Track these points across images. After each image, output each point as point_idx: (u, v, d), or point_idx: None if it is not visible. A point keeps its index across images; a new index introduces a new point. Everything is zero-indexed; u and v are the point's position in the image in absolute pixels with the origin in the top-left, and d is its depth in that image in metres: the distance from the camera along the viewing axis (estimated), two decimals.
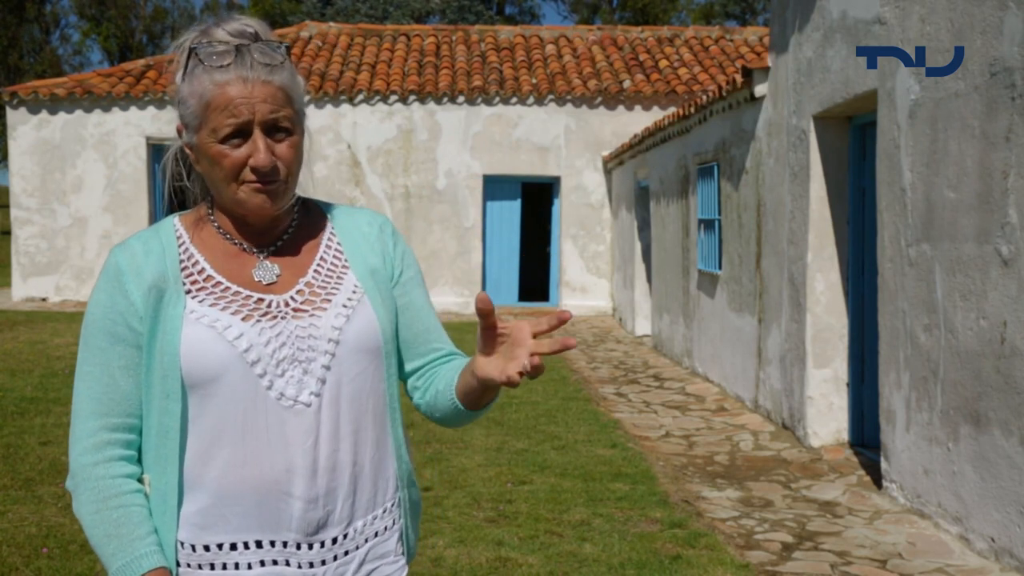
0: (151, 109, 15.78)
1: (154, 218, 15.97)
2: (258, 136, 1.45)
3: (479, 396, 1.54)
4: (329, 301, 1.54)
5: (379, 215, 1.69)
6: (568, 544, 4.57)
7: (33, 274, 15.93)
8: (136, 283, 1.48)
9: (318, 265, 1.58)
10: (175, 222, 1.58)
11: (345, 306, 1.54)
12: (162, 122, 15.78)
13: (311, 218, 1.63)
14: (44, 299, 15.91)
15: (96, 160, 15.83)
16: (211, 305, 1.48)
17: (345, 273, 1.59)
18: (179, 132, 1.52)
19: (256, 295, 1.51)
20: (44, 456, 5.95)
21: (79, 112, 15.80)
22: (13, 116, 15.82)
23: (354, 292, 1.57)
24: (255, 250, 1.55)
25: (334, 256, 1.60)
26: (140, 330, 1.48)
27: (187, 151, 1.52)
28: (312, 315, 1.52)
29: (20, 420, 6.98)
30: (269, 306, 1.51)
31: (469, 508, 5.11)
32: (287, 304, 1.52)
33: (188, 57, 1.47)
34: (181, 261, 1.52)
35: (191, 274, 1.51)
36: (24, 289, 15.92)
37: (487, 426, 7.07)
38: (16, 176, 15.89)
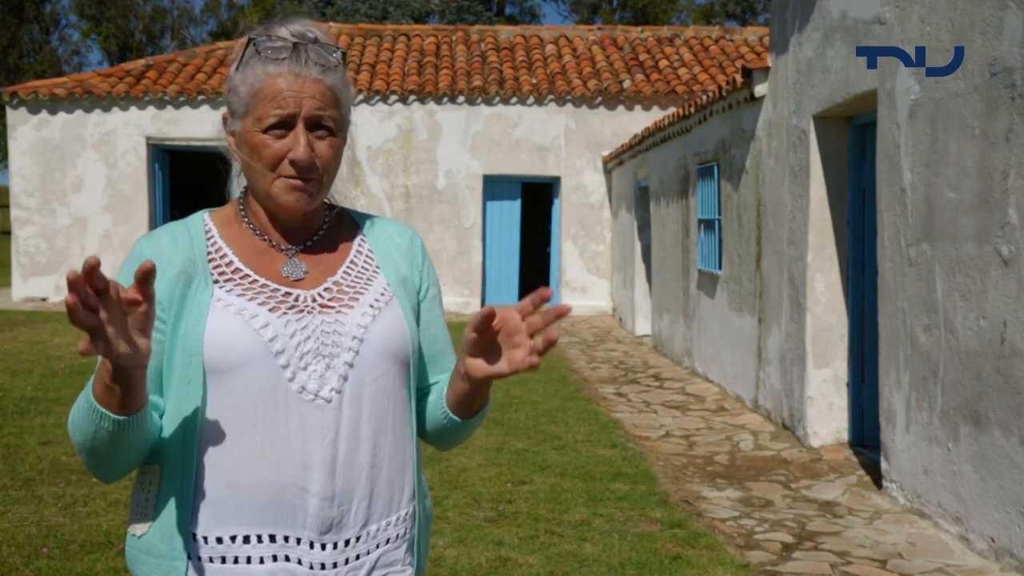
0: (151, 109, 15.77)
1: (154, 218, 15.98)
2: (300, 130, 1.47)
3: (470, 401, 1.55)
4: (357, 300, 1.54)
5: (408, 227, 1.70)
6: (568, 544, 4.57)
7: (33, 274, 15.92)
8: (161, 273, 1.47)
9: (348, 267, 1.58)
10: (204, 217, 1.58)
11: (372, 306, 1.54)
12: (162, 122, 15.79)
13: (343, 224, 1.64)
14: (44, 299, 15.90)
15: (96, 160, 15.83)
16: (239, 295, 1.48)
17: (375, 276, 1.59)
18: (224, 120, 1.55)
19: (284, 288, 1.52)
20: (44, 456, 5.95)
21: (79, 112, 15.80)
22: (13, 116, 15.82)
23: (382, 294, 1.57)
24: (284, 247, 1.56)
25: (365, 260, 1.61)
26: (159, 319, 1.47)
27: (229, 139, 1.54)
28: (339, 312, 1.52)
29: (20, 420, 6.98)
30: (296, 300, 1.51)
31: (469, 508, 5.11)
32: (314, 300, 1.52)
33: (246, 47, 1.49)
34: (209, 253, 1.53)
35: (219, 266, 1.52)
36: (24, 289, 15.92)
37: (487, 426, 7.07)
38: (16, 176, 15.89)
